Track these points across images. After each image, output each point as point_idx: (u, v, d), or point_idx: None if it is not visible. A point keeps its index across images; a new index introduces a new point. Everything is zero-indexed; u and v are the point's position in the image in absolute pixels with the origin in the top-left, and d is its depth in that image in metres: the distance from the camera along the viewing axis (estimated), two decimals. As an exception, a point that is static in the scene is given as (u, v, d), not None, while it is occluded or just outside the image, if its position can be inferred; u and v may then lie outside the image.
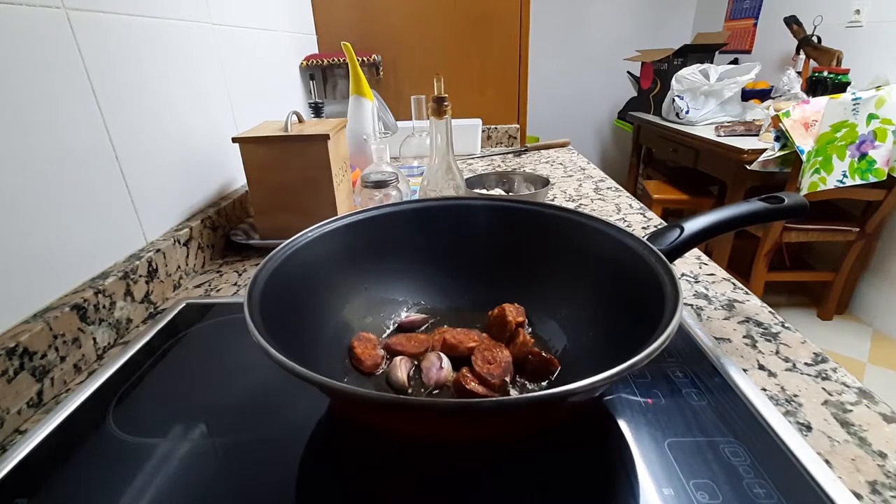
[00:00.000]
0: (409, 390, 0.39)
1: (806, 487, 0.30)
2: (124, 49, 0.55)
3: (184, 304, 0.56)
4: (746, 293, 0.55)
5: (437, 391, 0.39)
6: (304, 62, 1.16)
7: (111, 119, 0.53)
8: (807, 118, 1.54)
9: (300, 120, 0.71)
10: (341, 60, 1.15)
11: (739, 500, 0.29)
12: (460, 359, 0.41)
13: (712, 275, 0.60)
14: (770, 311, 0.51)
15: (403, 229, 0.50)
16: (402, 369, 0.40)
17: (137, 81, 0.58)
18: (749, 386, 0.39)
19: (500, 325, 0.44)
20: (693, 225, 0.43)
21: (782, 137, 1.59)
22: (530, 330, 0.45)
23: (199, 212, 0.69)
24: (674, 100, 2.14)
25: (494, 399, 0.24)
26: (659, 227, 0.75)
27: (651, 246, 0.38)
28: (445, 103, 0.61)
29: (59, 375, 0.43)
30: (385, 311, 0.48)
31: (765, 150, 1.63)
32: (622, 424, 0.36)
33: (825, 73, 1.89)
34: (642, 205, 0.86)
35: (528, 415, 0.29)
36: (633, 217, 0.80)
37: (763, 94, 2.24)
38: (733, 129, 1.86)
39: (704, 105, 2.08)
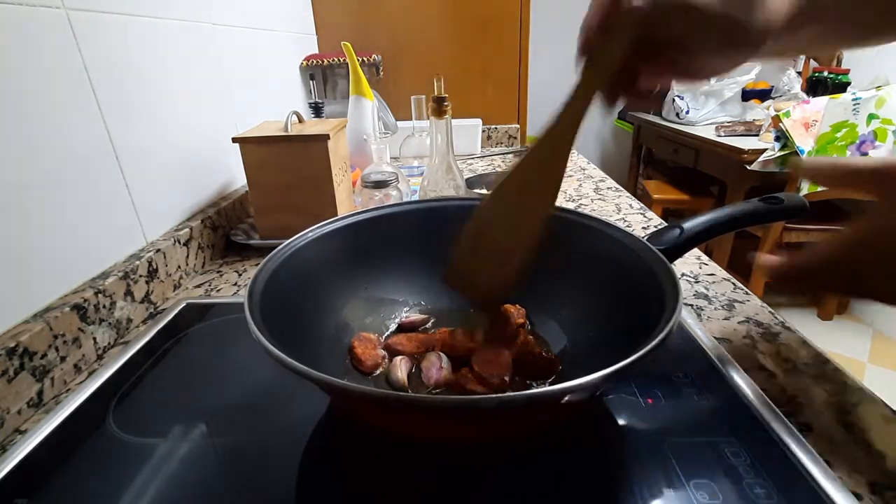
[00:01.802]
0: (409, 390, 0.39)
1: (806, 487, 0.30)
2: (124, 49, 0.55)
3: (184, 304, 0.56)
4: (746, 293, 0.55)
5: (437, 391, 0.39)
6: (304, 62, 1.16)
7: (111, 119, 0.53)
8: (807, 118, 1.54)
9: (300, 120, 0.71)
10: (341, 60, 1.15)
11: (739, 500, 0.29)
12: (460, 359, 0.41)
13: (712, 275, 0.60)
14: (770, 311, 0.51)
15: (403, 229, 0.50)
16: (401, 369, 0.40)
17: (137, 81, 0.58)
18: (749, 386, 0.39)
19: (501, 326, 0.44)
20: (693, 225, 0.43)
21: (782, 137, 1.59)
22: (530, 329, 0.45)
23: (199, 212, 0.69)
24: (674, 100, 2.14)
25: (494, 396, 0.24)
26: (659, 227, 0.75)
27: (651, 246, 0.38)
28: (445, 103, 0.61)
29: (59, 375, 0.43)
30: (385, 311, 0.48)
31: (765, 150, 1.63)
32: (622, 424, 0.36)
33: (825, 73, 1.89)
34: (642, 205, 0.86)
35: (528, 413, 0.29)
36: (633, 217, 0.80)
37: (763, 94, 2.24)
38: (733, 129, 1.86)
39: (704, 105, 2.08)
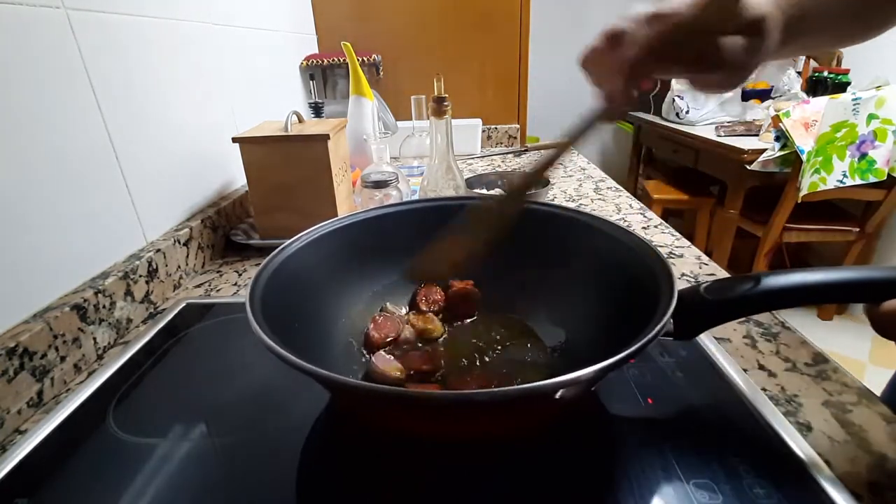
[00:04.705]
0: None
1: (806, 487, 0.30)
2: (124, 49, 0.55)
3: (184, 304, 0.56)
4: (746, 293, 0.54)
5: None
6: (304, 62, 1.16)
7: (111, 119, 0.53)
8: (807, 118, 1.54)
9: (300, 120, 0.71)
10: (341, 60, 1.15)
11: (739, 500, 0.29)
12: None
13: (712, 275, 0.60)
14: (770, 311, 0.51)
15: (404, 230, 0.50)
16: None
17: (137, 81, 0.58)
18: (749, 386, 0.39)
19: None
20: (775, 281, 0.32)
21: (782, 137, 1.59)
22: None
23: (199, 212, 0.69)
24: (674, 100, 2.14)
25: (487, 391, 0.24)
26: (659, 225, 0.75)
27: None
28: (445, 103, 0.62)
29: (59, 375, 0.43)
30: (385, 312, 0.48)
31: (765, 150, 1.63)
32: (622, 424, 0.36)
33: (825, 73, 1.89)
34: (642, 205, 0.86)
35: (523, 406, 0.29)
36: (633, 217, 0.80)
37: (763, 94, 2.24)
38: (733, 129, 1.85)
39: (704, 105, 2.08)
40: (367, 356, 0.43)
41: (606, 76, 0.34)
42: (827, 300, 0.32)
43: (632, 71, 0.32)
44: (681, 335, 0.34)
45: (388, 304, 0.48)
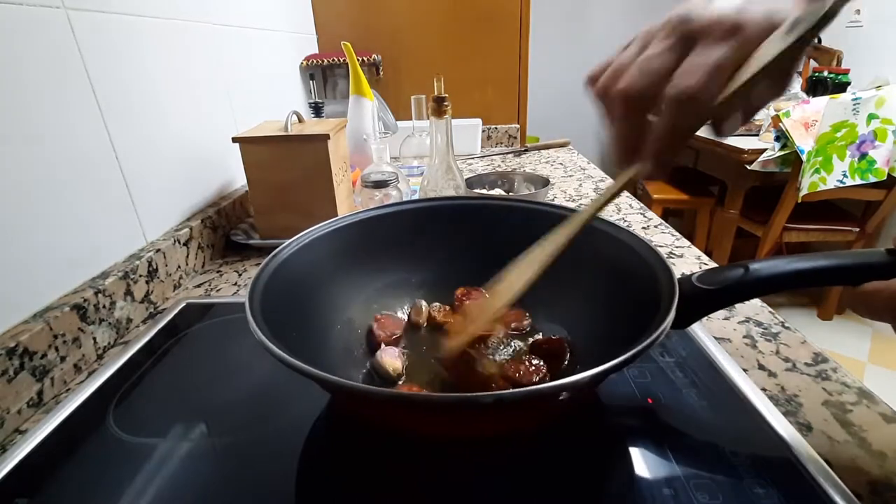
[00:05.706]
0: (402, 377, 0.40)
1: (806, 487, 0.30)
2: (124, 49, 0.55)
3: (184, 304, 0.56)
4: (746, 293, 0.54)
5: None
6: (304, 62, 1.16)
7: (111, 119, 0.53)
8: (807, 118, 1.54)
9: (300, 120, 0.71)
10: (341, 60, 1.15)
11: (739, 500, 0.29)
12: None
13: (712, 275, 0.59)
14: (770, 311, 0.51)
15: (404, 230, 0.50)
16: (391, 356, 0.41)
17: (137, 81, 0.58)
18: (749, 386, 0.39)
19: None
20: (763, 267, 0.33)
21: (782, 137, 1.59)
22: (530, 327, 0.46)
23: (199, 212, 0.69)
24: (674, 100, 2.13)
25: (491, 393, 0.24)
26: (659, 226, 0.75)
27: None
28: (445, 103, 0.62)
29: (59, 375, 0.43)
30: (387, 311, 0.48)
31: (765, 150, 1.63)
32: (622, 425, 0.36)
33: (825, 73, 1.89)
34: (642, 205, 0.86)
35: (525, 409, 0.29)
36: (633, 217, 0.80)
37: (763, 94, 2.23)
38: (733, 129, 1.85)
39: (704, 105, 2.08)
40: (368, 355, 0.43)
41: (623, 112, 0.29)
42: (812, 284, 0.33)
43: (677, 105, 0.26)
44: (675, 325, 0.34)
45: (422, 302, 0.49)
